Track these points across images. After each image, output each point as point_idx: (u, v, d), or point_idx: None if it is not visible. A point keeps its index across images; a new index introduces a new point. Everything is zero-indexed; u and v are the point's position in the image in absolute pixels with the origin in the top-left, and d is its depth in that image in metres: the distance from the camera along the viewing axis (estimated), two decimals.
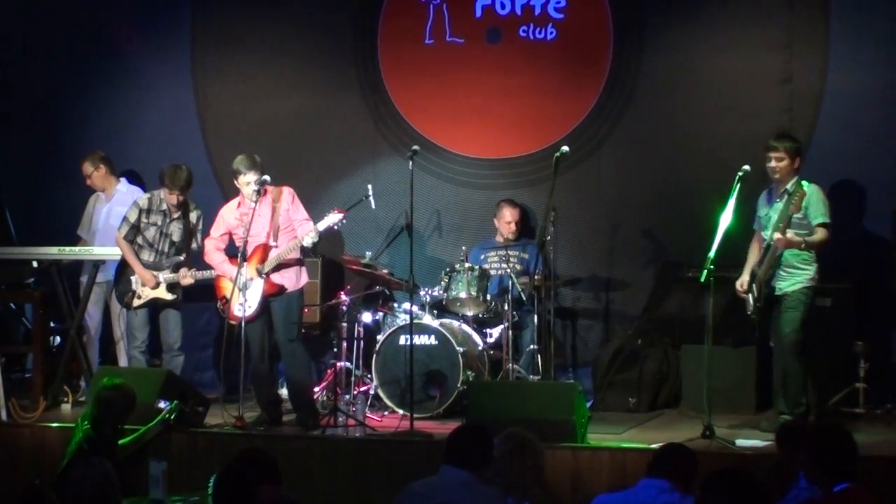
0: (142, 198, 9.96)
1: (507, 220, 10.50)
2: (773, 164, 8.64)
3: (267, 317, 9.03)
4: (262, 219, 9.00)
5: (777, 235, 8.40)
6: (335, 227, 9.06)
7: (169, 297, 9.77)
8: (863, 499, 5.41)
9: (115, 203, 10.59)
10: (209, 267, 9.50)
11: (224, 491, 5.16)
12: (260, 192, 8.89)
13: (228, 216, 9.21)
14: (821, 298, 9.29)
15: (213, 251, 9.24)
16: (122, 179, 10.75)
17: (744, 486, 4.83)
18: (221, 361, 8.88)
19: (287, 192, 9.13)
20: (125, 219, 9.86)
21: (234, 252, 9.09)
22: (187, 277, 9.74)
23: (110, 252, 10.13)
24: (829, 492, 5.37)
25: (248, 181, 8.97)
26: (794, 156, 8.64)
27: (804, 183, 8.58)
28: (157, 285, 9.73)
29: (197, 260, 9.83)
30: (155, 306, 9.84)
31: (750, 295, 8.69)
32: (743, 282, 8.73)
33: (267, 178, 8.96)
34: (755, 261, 8.78)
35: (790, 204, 8.44)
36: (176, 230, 9.85)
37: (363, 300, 10.44)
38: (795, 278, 8.59)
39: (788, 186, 8.61)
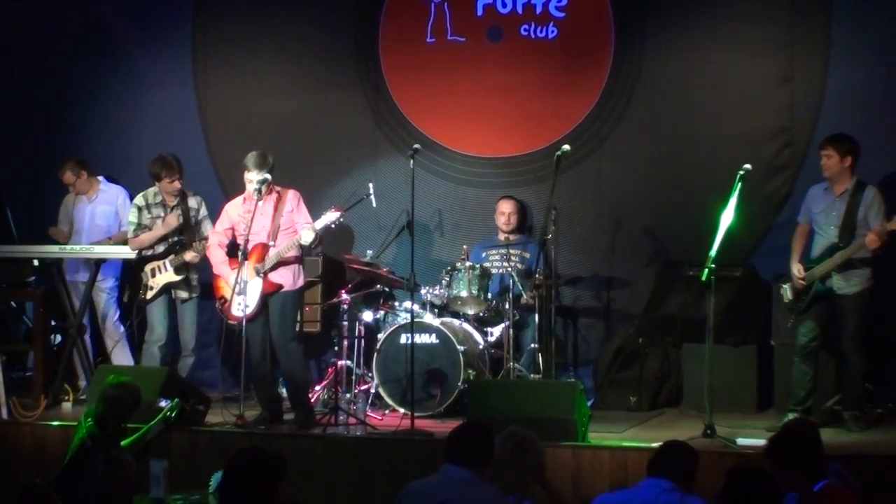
0: (136, 197, 10.07)
1: (502, 211, 10.52)
2: (822, 161, 8.84)
3: (266, 315, 9.02)
4: (263, 217, 9.00)
5: (873, 237, 8.48)
6: (333, 226, 9.04)
7: (177, 277, 9.86)
8: (844, 494, 5.41)
9: (99, 202, 10.68)
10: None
11: (243, 488, 5.03)
12: (261, 192, 8.90)
13: (232, 212, 9.21)
14: None
15: (215, 247, 9.23)
16: (101, 179, 10.78)
17: (766, 485, 4.87)
18: (219, 360, 8.88)
19: (293, 194, 9.12)
20: (129, 222, 10.00)
21: (234, 250, 9.11)
22: (191, 252, 9.81)
23: (112, 251, 10.19)
24: (809, 491, 5.37)
25: (250, 179, 8.98)
26: (843, 154, 8.77)
27: (868, 187, 8.77)
28: (154, 273, 9.82)
29: None
30: (172, 302, 9.92)
31: (790, 286, 8.82)
32: (799, 269, 8.81)
33: (268, 177, 8.95)
34: (801, 252, 8.95)
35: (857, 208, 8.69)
36: (179, 219, 9.91)
37: (364, 299, 10.43)
38: (856, 279, 8.70)
39: (850, 186, 8.76)
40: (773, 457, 5.55)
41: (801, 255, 8.95)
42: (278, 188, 9.11)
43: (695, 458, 6.02)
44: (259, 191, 8.87)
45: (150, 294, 9.91)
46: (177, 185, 9.89)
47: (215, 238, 9.27)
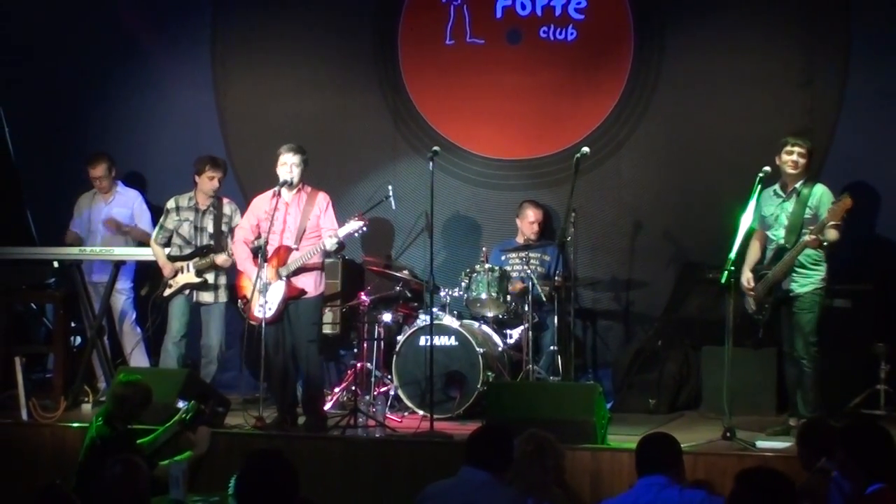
0: (169, 201, 10.12)
1: (529, 219, 10.47)
2: (795, 157, 8.54)
3: (288, 319, 8.98)
4: (289, 217, 8.99)
5: (811, 237, 8.21)
6: (356, 234, 8.98)
7: (196, 280, 9.86)
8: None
9: (115, 204, 10.69)
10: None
11: (258, 490, 4.98)
12: (278, 193, 8.91)
13: (259, 207, 9.14)
14: (841, 300, 9.29)
15: (240, 244, 9.18)
16: (118, 182, 10.82)
17: (779, 485, 4.84)
18: (240, 361, 8.87)
19: (322, 197, 9.07)
20: (161, 226, 10.07)
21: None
22: (222, 256, 9.83)
23: (131, 252, 10.24)
24: (862, 493, 5.33)
25: (284, 161, 8.98)
26: (811, 154, 8.62)
27: (817, 184, 8.56)
28: (176, 273, 9.84)
29: None
30: (195, 305, 9.97)
31: (752, 293, 8.64)
32: (749, 278, 8.63)
33: (283, 179, 8.94)
34: (755, 259, 8.75)
35: (806, 206, 8.44)
36: (209, 223, 9.94)
37: (383, 301, 10.43)
38: (808, 279, 8.48)
39: (798, 185, 8.57)
40: (849, 448, 5.50)
41: (757, 261, 8.73)
42: (309, 189, 9.11)
43: (674, 444, 5.94)
44: (278, 192, 8.89)
45: (167, 292, 9.93)
46: (216, 183, 9.94)
47: (241, 234, 9.24)
